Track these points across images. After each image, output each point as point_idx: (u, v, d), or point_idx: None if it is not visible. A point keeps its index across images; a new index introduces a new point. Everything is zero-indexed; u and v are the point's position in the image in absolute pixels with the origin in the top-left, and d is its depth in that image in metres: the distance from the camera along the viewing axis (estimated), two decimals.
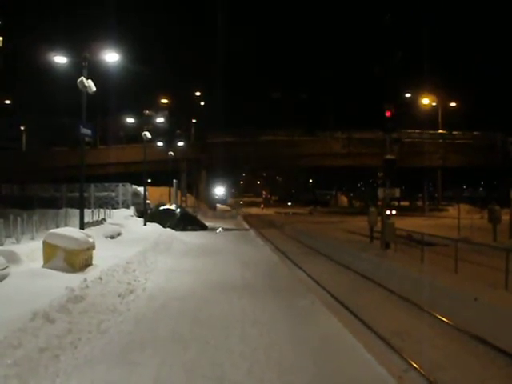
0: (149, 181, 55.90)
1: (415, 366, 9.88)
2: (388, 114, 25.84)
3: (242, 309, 11.87)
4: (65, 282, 11.93)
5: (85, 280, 12.23)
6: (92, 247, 15.22)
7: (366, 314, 13.94)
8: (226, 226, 43.85)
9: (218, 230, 39.75)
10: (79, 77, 18.15)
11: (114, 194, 41.50)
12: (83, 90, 18.01)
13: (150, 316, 10.98)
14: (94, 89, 18.23)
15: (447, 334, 12.37)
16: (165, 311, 11.49)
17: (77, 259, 14.17)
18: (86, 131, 18.41)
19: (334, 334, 10.06)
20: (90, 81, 18.07)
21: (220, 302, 12.65)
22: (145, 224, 32.91)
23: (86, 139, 19.54)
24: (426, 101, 69.75)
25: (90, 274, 13.57)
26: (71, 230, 15.56)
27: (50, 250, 14.08)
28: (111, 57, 20.17)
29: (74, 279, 12.38)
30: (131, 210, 39.17)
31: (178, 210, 42.12)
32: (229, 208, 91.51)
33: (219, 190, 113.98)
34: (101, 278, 13.08)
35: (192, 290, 14.28)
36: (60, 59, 18.98)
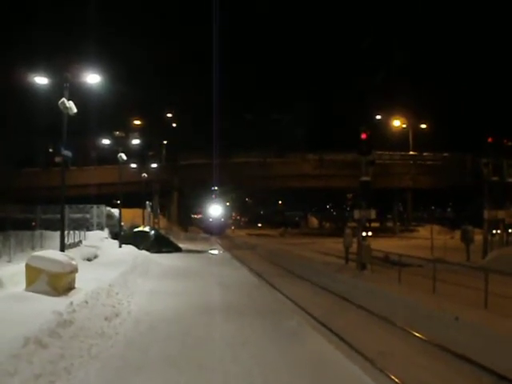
0: (118, 202, 55.53)
1: None
2: (363, 136, 26.14)
3: (230, 331, 11.88)
4: (51, 305, 11.81)
5: (71, 304, 12.10)
6: (75, 270, 15.09)
7: (349, 335, 13.94)
8: (199, 248, 43.73)
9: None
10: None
11: (88, 216, 41.20)
12: (64, 112, 17.90)
13: (139, 339, 10.92)
14: (75, 110, 18.14)
15: (431, 353, 12.47)
16: (153, 335, 11.43)
17: (60, 282, 14.03)
18: (67, 153, 18.31)
19: (325, 354, 10.12)
20: (71, 102, 17.97)
21: (206, 324, 12.64)
22: (120, 246, 32.73)
23: (56, 159, 19.46)
24: (396, 123, 70.81)
25: (75, 297, 13.43)
26: (54, 253, 15.38)
27: (32, 274, 13.90)
28: (87, 78, 20.06)
29: (59, 303, 12.25)
30: (106, 232, 38.94)
31: (153, 232, 42.09)
32: (200, 230, 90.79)
33: (215, 210, 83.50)
34: (87, 302, 12.97)
35: (176, 312, 14.24)
36: (40, 80, 18.84)
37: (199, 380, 8.27)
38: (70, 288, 14.63)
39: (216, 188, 76.76)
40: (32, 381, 7.60)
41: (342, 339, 13.68)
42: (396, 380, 10.29)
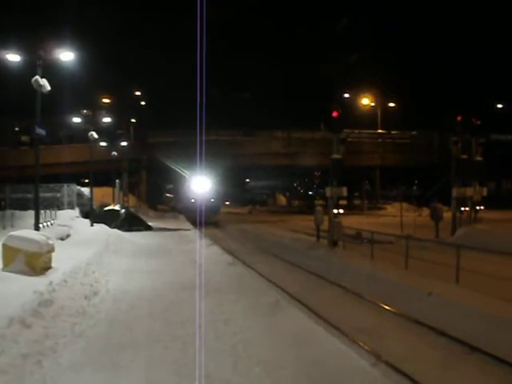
0: (86, 181, 55.05)
1: (382, 359, 10.19)
2: (335, 114, 26.29)
3: (210, 308, 11.94)
4: (30, 285, 11.79)
5: (51, 283, 12.09)
6: (52, 249, 15.04)
7: (325, 312, 14.13)
8: (169, 226, 43.54)
9: (184, 230, 39.40)
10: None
11: (59, 195, 40.81)
12: (38, 90, 17.68)
13: (121, 318, 10.98)
14: (48, 88, 17.92)
15: (406, 327, 12.78)
16: (134, 313, 11.50)
17: (38, 262, 13.97)
18: (40, 131, 18.11)
19: (306, 330, 10.31)
20: (44, 80, 17.75)
21: (186, 301, 12.70)
22: (92, 225, 32.59)
23: (23, 138, 19.33)
24: (365, 101, 71.16)
25: (54, 276, 13.41)
26: (30, 233, 15.33)
27: (10, 253, 13.83)
28: (59, 55, 19.80)
29: (38, 282, 12.23)
30: (76, 211, 38.69)
31: (123, 210, 41.89)
32: (168, 208, 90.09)
33: (201, 186, 54.10)
34: (66, 281, 12.99)
35: (154, 290, 14.31)
36: (12, 57, 18.53)
37: (185, 357, 8.35)
38: (47, 267, 14.58)
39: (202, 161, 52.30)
40: (19, 360, 7.62)
41: (319, 315, 13.88)
42: (373, 354, 10.55)
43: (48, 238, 15.18)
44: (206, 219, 44.32)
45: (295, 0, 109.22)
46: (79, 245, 22.28)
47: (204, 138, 56.14)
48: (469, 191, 31.09)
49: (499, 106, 72.75)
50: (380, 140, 71.99)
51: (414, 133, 72.15)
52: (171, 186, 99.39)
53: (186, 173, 57.42)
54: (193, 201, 53.08)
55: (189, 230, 41.37)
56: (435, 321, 12.67)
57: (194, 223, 44.00)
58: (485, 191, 32.94)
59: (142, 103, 76.57)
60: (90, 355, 8.43)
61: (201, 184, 54.27)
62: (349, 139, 62.64)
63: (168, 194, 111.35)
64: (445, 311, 13.19)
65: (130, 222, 38.73)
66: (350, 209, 74.38)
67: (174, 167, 59.77)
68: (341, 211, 27.84)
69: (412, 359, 10.43)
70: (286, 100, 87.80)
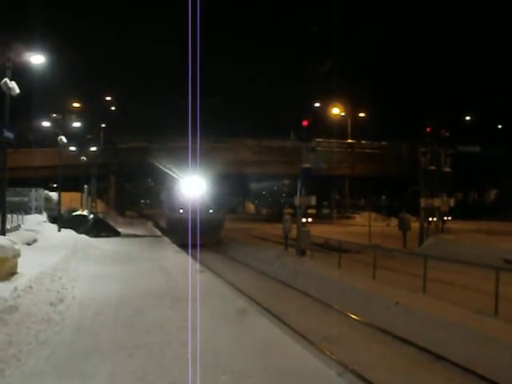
0: (54, 185, 54.43)
1: (349, 368, 10.26)
2: (305, 123, 26.39)
3: (176, 315, 11.85)
4: None
5: (15, 289, 11.87)
6: (18, 255, 14.80)
7: (293, 321, 14.23)
8: (138, 233, 43.31)
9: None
10: None
11: (26, 199, 40.27)
12: (7, 92, 17.48)
13: (87, 325, 10.84)
14: (17, 91, 17.73)
15: (373, 336, 12.91)
16: (100, 320, 11.36)
17: (3, 267, 13.73)
18: (9, 134, 17.86)
19: (275, 339, 10.30)
20: (13, 82, 17.55)
21: (153, 309, 12.60)
22: (59, 230, 32.22)
23: None
24: (335, 110, 71.52)
25: (19, 282, 13.18)
26: None
27: None
28: (30, 58, 19.67)
29: (3, 288, 11.97)
30: (44, 216, 38.18)
31: (91, 216, 41.53)
32: (137, 214, 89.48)
33: (194, 190, 38.76)
34: (31, 287, 12.76)
35: (121, 297, 14.17)
36: None
37: (151, 364, 8.26)
38: (12, 273, 14.33)
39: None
40: None
41: (286, 324, 13.92)
42: (340, 363, 10.61)
43: (14, 243, 14.96)
44: (202, 238, 28.15)
45: (268, 7, 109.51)
46: (46, 250, 21.94)
47: (173, 145, 55.98)
48: (437, 202, 31.51)
49: (467, 118, 74.12)
50: (350, 150, 72.38)
51: (383, 143, 72.69)
52: (147, 192, 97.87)
53: (176, 174, 44.20)
54: (182, 211, 39.02)
55: (158, 236, 41.18)
56: (402, 330, 12.83)
57: (182, 244, 30.05)
58: (452, 202, 33.39)
59: (113, 108, 76.12)
60: (54, 363, 8.28)
61: (192, 189, 39.40)
62: (319, 148, 63.05)
63: (143, 201, 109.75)
64: (411, 320, 13.33)
65: (99, 228, 38.40)
66: (318, 218, 74.53)
67: (163, 169, 56.23)
68: (309, 220, 27.94)
69: (378, 368, 10.55)
70: (256, 108, 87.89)
